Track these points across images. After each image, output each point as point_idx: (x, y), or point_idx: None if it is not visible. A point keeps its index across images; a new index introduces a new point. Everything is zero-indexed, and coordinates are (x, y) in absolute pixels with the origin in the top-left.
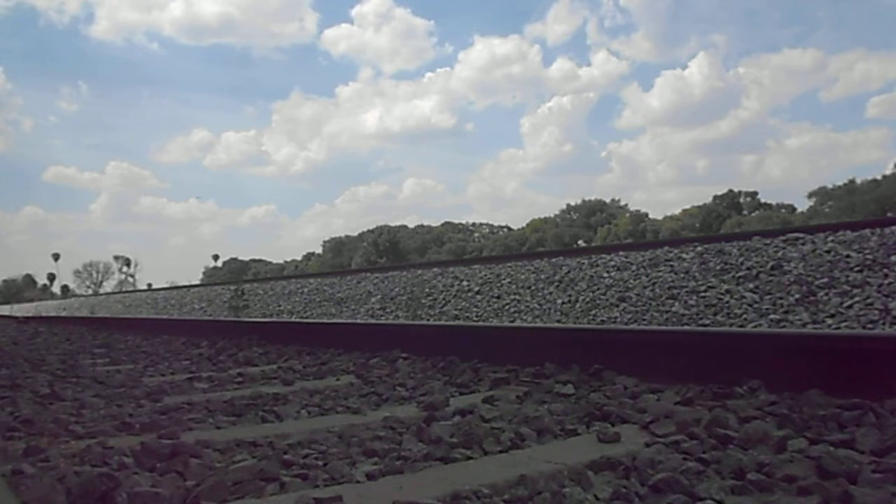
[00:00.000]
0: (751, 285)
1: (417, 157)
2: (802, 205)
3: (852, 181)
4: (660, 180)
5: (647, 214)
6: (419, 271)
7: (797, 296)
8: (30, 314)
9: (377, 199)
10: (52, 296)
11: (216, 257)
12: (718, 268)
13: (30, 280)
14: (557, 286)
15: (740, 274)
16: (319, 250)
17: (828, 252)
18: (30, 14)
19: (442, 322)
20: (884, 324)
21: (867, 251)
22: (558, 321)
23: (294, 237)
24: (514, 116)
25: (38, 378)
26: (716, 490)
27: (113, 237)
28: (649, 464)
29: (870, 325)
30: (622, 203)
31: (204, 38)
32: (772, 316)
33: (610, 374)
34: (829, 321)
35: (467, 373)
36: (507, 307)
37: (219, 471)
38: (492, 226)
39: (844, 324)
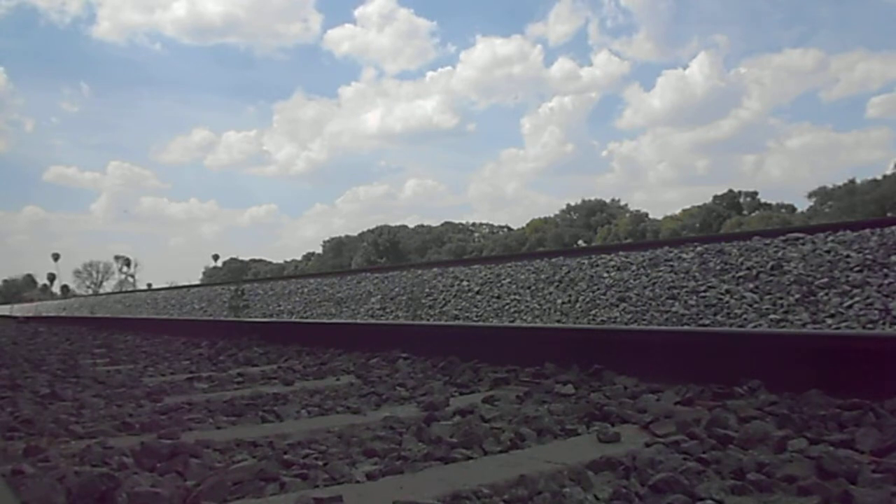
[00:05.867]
0: (751, 285)
1: (419, 157)
2: (802, 205)
3: (852, 181)
4: (660, 180)
5: (647, 214)
6: (419, 271)
7: (797, 296)
8: (30, 314)
9: (378, 199)
10: (52, 296)
11: (216, 257)
12: (718, 268)
13: (30, 280)
14: (557, 286)
15: (740, 274)
16: (319, 250)
17: (828, 252)
18: (31, 14)
19: (442, 322)
20: (884, 324)
21: (867, 251)
22: (558, 321)
23: (294, 237)
24: (515, 116)
25: (38, 378)
26: (716, 490)
27: (113, 237)
28: (649, 464)
29: (870, 325)
30: (622, 203)
31: (206, 38)
32: (772, 316)
33: (610, 374)
34: (829, 321)
35: (467, 373)
36: (507, 307)
37: (219, 471)
38: (492, 226)
39: (844, 324)
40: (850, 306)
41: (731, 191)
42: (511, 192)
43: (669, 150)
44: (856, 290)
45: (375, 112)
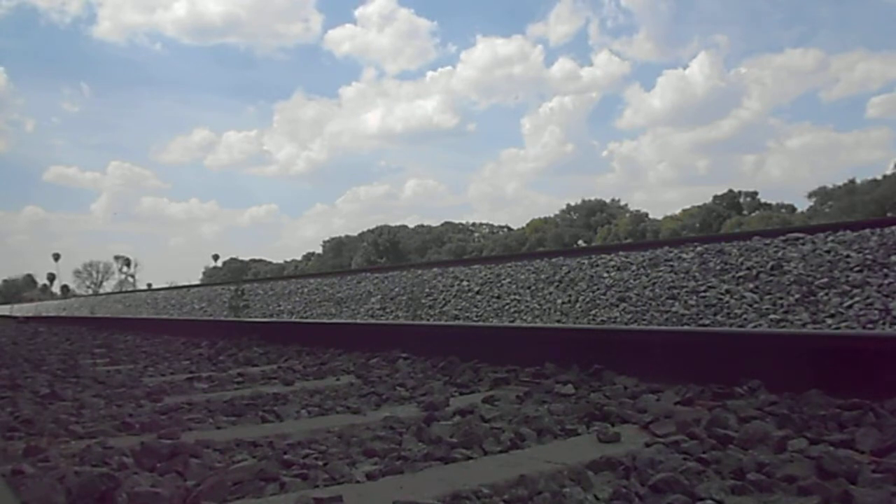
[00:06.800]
0: (751, 285)
1: (419, 157)
2: (802, 205)
3: (852, 181)
4: (660, 180)
5: (647, 214)
6: (419, 271)
7: (797, 296)
8: (30, 314)
9: (378, 200)
10: (52, 296)
11: (216, 257)
12: (718, 268)
13: (30, 280)
14: (557, 286)
15: (740, 274)
16: (319, 250)
17: (828, 252)
18: (31, 14)
19: (442, 322)
20: (884, 324)
21: (867, 251)
22: (558, 321)
23: (294, 237)
24: (515, 116)
25: (38, 378)
26: (716, 490)
27: (113, 237)
28: (649, 464)
29: (870, 325)
30: (622, 203)
31: (207, 38)
32: (772, 316)
33: (610, 374)
34: (829, 321)
35: (467, 373)
36: (507, 307)
37: (219, 471)
38: (492, 226)
39: (844, 324)
40: (850, 306)
41: (731, 191)
42: (511, 192)
43: (669, 150)
44: (856, 290)
45: (376, 112)
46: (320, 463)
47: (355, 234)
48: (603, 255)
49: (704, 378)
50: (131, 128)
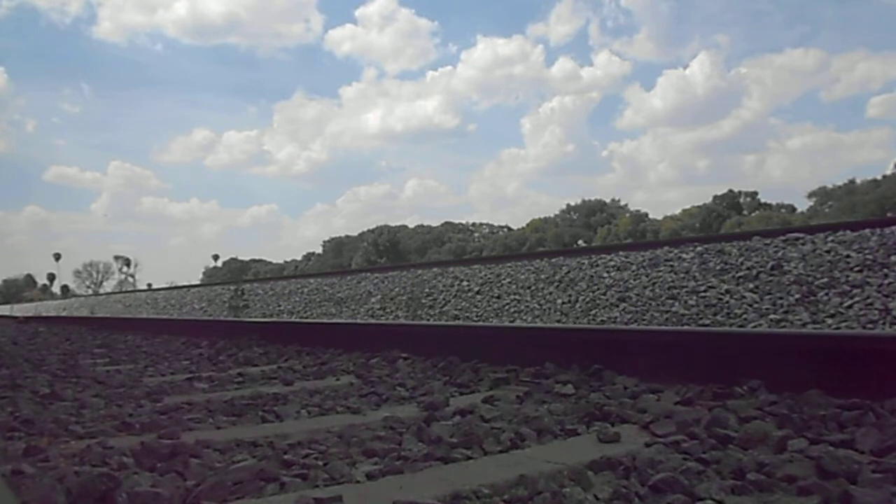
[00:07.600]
0: (751, 285)
1: (419, 157)
2: (802, 205)
3: (852, 181)
4: (661, 180)
5: (647, 214)
6: (419, 271)
7: (797, 296)
8: (30, 314)
9: (379, 199)
10: (52, 296)
11: (216, 257)
12: (718, 268)
13: (30, 280)
14: (557, 286)
15: (740, 274)
16: (320, 250)
17: (828, 252)
18: (32, 14)
19: (442, 322)
20: (884, 324)
21: (867, 251)
22: (558, 321)
23: (295, 237)
24: (515, 116)
25: (38, 378)
26: (716, 490)
27: (113, 237)
28: (649, 464)
29: (870, 325)
30: (622, 203)
31: (208, 38)
32: (772, 316)
33: (610, 374)
34: (829, 321)
35: (467, 373)
36: (507, 307)
37: (219, 471)
38: (492, 226)
39: (844, 324)
40: (850, 306)
41: (731, 191)
42: (511, 192)
43: (670, 150)
44: (856, 290)
45: (376, 112)
46: (320, 463)
47: (355, 234)
48: (603, 255)
49: (704, 378)
50: (132, 128)
